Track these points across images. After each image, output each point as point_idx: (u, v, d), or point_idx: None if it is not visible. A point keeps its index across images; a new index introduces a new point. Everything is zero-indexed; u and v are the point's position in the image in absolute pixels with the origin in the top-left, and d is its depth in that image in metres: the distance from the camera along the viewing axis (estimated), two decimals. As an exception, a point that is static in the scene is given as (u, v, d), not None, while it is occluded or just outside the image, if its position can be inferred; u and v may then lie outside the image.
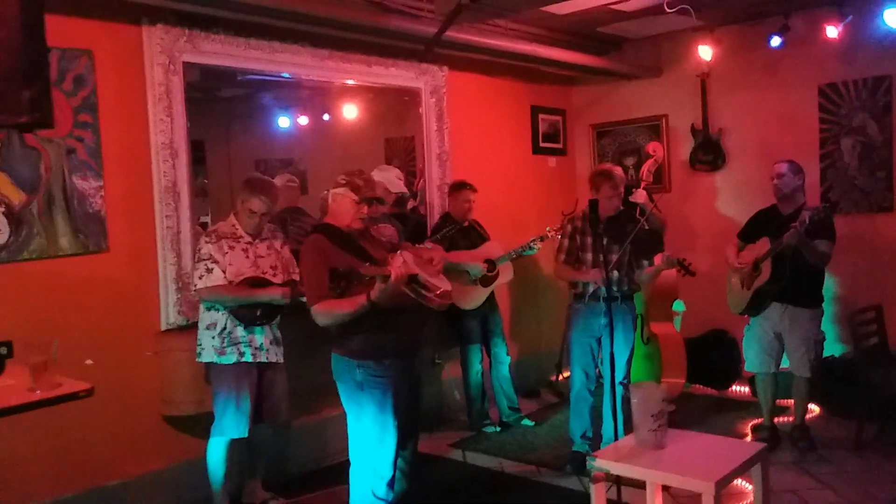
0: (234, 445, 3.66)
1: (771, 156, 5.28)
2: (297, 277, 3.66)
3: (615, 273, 4.12)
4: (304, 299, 3.25)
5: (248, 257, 3.59)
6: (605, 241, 4.13)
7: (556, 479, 4.19)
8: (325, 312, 3.02)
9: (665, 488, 3.63)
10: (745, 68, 5.64)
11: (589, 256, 4.19)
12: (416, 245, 3.45)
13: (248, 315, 3.53)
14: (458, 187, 5.00)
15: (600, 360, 4.40)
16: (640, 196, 5.11)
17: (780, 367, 4.54)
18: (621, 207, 4.25)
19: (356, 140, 6.36)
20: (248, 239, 3.62)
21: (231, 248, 3.55)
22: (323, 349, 3.23)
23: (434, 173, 5.41)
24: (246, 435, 3.58)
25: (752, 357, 4.57)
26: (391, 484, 3.16)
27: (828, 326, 4.59)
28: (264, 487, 3.93)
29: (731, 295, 4.60)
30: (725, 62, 5.62)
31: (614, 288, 4.13)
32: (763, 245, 4.36)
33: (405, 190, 5.04)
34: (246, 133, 6.83)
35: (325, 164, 6.10)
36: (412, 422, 3.33)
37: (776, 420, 4.68)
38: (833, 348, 5.16)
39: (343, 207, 3.17)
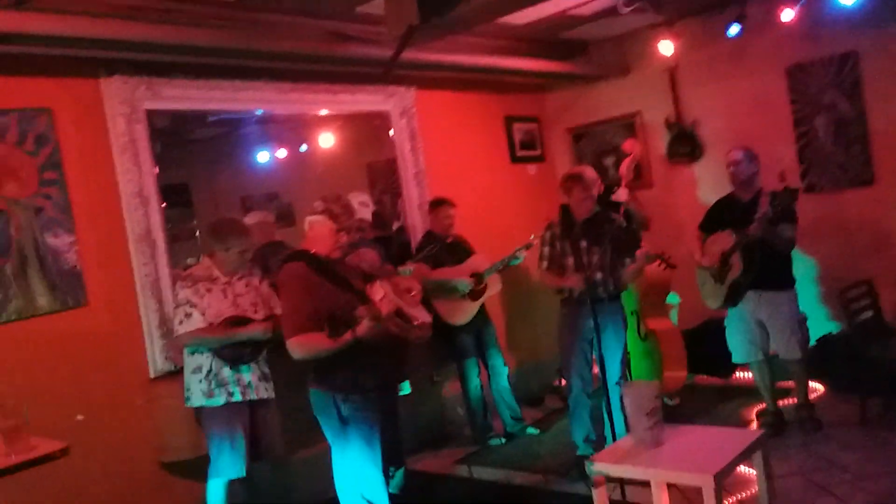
0: (234, 486, 3.63)
1: (746, 141, 5.26)
2: (279, 312, 3.66)
3: (598, 274, 4.11)
4: None
5: (226, 297, 3.58)
6: (584, 244, 4.13)
7: (563, 486, 4.16)
8: (304, 345, 2.96)
9: (671, 484, 3.60)
10: (711, 58, 5.65)
11: (570, 261, 4.19)
12: (393, 274, 3.44)
13: (233, 354, 3.52)
14: (438, 204, 5.01)
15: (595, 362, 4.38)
16: (622, 195, 5.12)
17: (771, 351, 4.52)
18: (597, 208, 4.24)
19: (338, 167, 6.40)
20: (225, 279, 3.62)
21: (208, 290, 3.54)
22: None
23: (412, 193, 5.43)
24: (244, 474, 3.56)
25: (738, 348, 4.56)
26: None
27: (817, 305, 4.57)
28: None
29: (705, 291, 4.57)
30: (691, 54, 5.64)
31: (599, 289, 4.11)
32: (726, 237, 4.34)
33: (366, 217, 5.00)
34: (228, 172, 6.89)
35: (310, 194, 6.12)
36: (397, 448, 3.31)
37: (781, 403, 4.65)
38: (827, 326, 5.14)
39: (321, 235, 3.14)
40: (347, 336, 2.86)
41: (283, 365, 3.75)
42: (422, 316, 3.10)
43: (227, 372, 3.53)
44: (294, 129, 6.21)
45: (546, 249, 4.31)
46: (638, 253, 4.10)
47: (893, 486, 3.54)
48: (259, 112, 5.06)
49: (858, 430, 4.30)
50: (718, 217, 4.53)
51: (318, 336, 2.89)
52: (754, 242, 4.18)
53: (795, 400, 4.59)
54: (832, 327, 5.13)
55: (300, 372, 3.37)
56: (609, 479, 3.20)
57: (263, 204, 6.75)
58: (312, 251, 3.15)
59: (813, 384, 4.93)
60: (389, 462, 3.27)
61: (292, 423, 3.91)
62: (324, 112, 5.24)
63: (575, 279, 4.06)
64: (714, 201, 4.74)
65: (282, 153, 6.73)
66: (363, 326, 2.83)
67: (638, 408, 3.25)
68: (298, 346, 2.97)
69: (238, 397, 3.54)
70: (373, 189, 6.32)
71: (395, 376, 3.22)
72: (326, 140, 6.13)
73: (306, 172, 6.75)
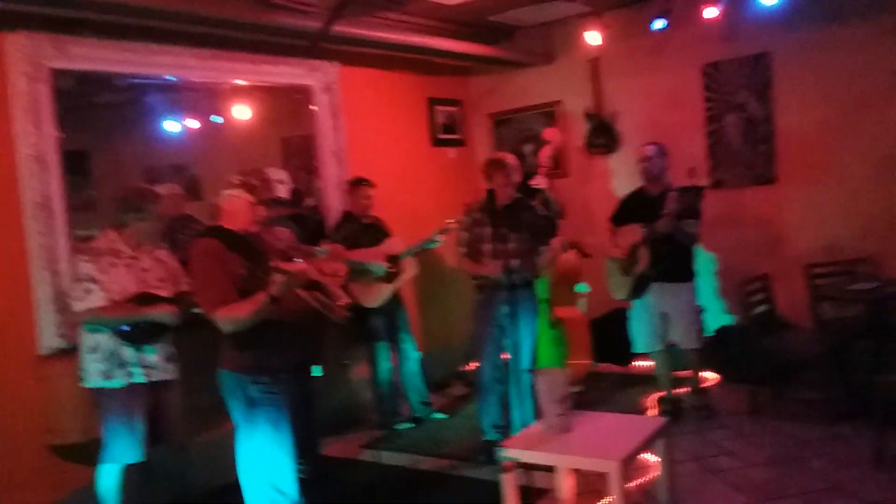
0: (131, 471, 3.46)
1: (661, 136, 5.41)
2: (186, 288, 3.51)
3: (515, 261, 4.15)
4: (199, 310, 3.13)
5: (132, 273, 3.40)
6: (502, 231, 4.15)
7: (470, 471, 4.19)
8: (229, 318, 2.87)
9: (576, 469, 3.69)
10: (632, 52, 5.77)
11: (488, 247, 4.20)
12: (310, 254, 3.37)
13: (137, 334, 3.36)
14: (357, 184, 4.93)
15: (506, 349, 4.43)
16: (541, 181, 5.15)
17: (671, 341, 4.69)
18: (516, 195, 4.27)
19: (251, 141, 6.17)
20: (131, 253, 3.44)
21: (112, 264, 3.35)
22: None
23: (331, 171, 5.32)
24: (142, 459, 3.41)
25: (640, 338, 4.73)
26: (298, 500, 3.08)
27: (717, 298, 4.77)
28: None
29: (613, 282, 4.71)
30: (614, 46, 5.73)
31: (515, 276, 4.15)
32: (635, 230, 4.47)
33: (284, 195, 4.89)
34: (133, 140, 6.52)
35: (220, 168, 5.90)
36: (311, 434, 3.25)
37: (677, 391, 4.84)
38: (725, 318, 5.37)
39: (237, 209, 3.04)
40: (262, 297, 2.78)
41: (188, 344, 3.64)
42: (344, 297, 3.09)
43: (129, 352, 3.36)
44: (208, 99, 5.94)
45: (464, 235, 4.31)
46: (554, 241, 4.16)
47: (779, 472, 3.75)
48: (172, 78, 4.82)
49: (748, 418, 4.53)
50: (629, 210, 4.66)
51: (238, 305, 2.83)
52: (660, 237, 4.32)
53: (691, 388, 4.80)
54: (729, 319, 5.37)
55: (205, 351, 3.26)
56: (515, 466, 3.25)
57: (170, 175, 6.44)
58: (228, 227, 3.04)
59: (708, 373, 5.16)
60: (303, 449, 3.19)
61: (195, 405, 3.78)
62: (241, 82, 5.04)
63: (493, 266, 4.07)
64: (626, 194, 4.86)
65: (193, 123, 6.44)
66: (275, 285, 2.75)
67: (550, 395, 3.31)
68: (226, 319, 2.87)
69: (140, 378, 3.38)
70: (287, 165, 6.14)
71: (308, 358, 3.14)
72: (242, 112, 5.89)
73: (218, 145, 6.48)
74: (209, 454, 4.19)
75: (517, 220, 4.15)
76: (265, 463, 3.01)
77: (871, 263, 4.78)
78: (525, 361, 4.21)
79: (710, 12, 5.01)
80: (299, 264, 2.94)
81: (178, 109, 6.19)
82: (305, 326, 3.03)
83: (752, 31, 5.22)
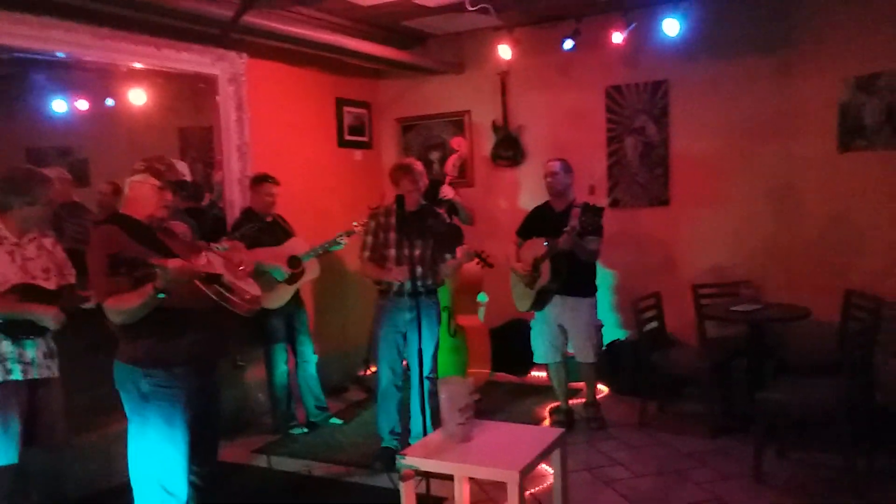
0: (3, 473, 3.19)
1: (564, 153, 5.55)
2: (72, 280, 3.29)
3: (419, 268, 4.13)
4: (88, 304, 2.92)
5: (14, 261, 3.13)
6: (408, 237, 4.13)
7: (366, 479, 4.13)
8: (116, 308, 2.73)
9: (471, 477, 3.71)
10: (541, 68, 5.90)
11: (392, 252, 4.17)
12: (215, 244, 3.22)
13: (15, 328, 3.10)
14: (260, 180, 4.78)
15: (407, 355, 4.40)
16: (448, 192, 5.21)
17: (568, 353, 4.83)
18: (422, 202, 4.26)
19: (146, 129, 5.88)
20: (14, 240, 3.18)
21: (-8, 251, 3.10)
22: (106, 356, 2.91)
23: (234, 166, 5.14)
24: (16, 461, 3.15)
25: (540, 349, 4.84)
26: (186, 502, 2.94)
27: (611, 313, 4.94)
28: (39, 517, 3.49)
29: (516, 294, 4.81)
30: (523, 61, 5.84)
31: (419, 283, 4.14)
32: (538, 244, 4.57)
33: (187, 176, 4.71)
34: (14, 118, 6.08)
35: (110, 154, 5.60)
36: (210, 436, 3.10)
37: (571, 402, 4.97)
38: (618, 333, 5.57)
39: (143, 195, 2.89)
40: (148, 289, 2.65)
41: (71, 339, 3.40)
42: (252, 290, 2.98)
43: (5, 346, 3.09)
44: (101, 80, 5.60)
45: (369, 239, 4.26)
46: (459, 250, 4.17)
47: (666, 483, 3.91)
48: (62, 55, 4.52)
49: (637, 429, 4.70)
50: (533, 224, 4.76)
51: (126, 295, 2.70)
52: (562, 253, 4.43)
53: (584, 400, 4.94)
54: (621, 334, 5.58)
55: (86, 347, 3.07)
56: (414, 475, 3.22)
57: (54, 159, 6.04)
58: (131, 214, 2.89)
59: (600, 386, 5.33)
60: (203, 454, 3.03)
61: (76, 403, 3.54)
62: (140, 66, 4.79)
63: (399, 272, 4.04)
64: (531, 207, 4.97)
65: (83, 105, 6.06)
66: (158, 277, 2.62)
67: (452, 403, 3.31)
68: (113, 310, 2.73)
69: (17, 375, 3.11)
70: (184, 157, 5.89)
71: (209, 352, 2.99)
72: (138, 97, 5.61)
73: (109, 129, 6.13)
74: (91, 456, 3.95)
75: (423, 227, 4.13)
76: (155, 461, 2.85)
77: (753, 287, 5.08)
78: (426, 368, 4.19)
79: (616, 37, 5.22)
80: (203, 264, 2.81)
81: (68, 89, 5.81)
82: (205, 320, 2.89)
83: (653, 59, 5.45)
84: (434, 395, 4.08)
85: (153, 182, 2.88)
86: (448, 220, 4.58)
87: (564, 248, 4.38)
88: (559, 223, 4.47)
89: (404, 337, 4.25)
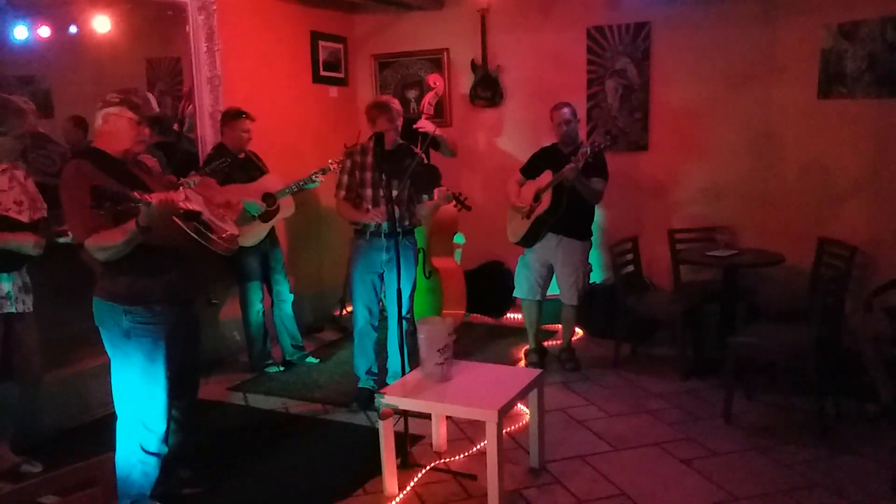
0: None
1: (544, 95, 5.50)
2: (45, 213, 3.18)
3: (396, 209, 4.07)
4: (64, 239, 2.83)
5: (-16, 193, 3.03)
6: (384, 176, 4.05)
7: (343, 417, 4.14)
8: (99, 246, 2.65)
9: (448, 416, 3.74)
10: (522, 7, 5.75)
11: (369, 192, 4.09)
12: (185, 179, 3.13)
13: None
14: (234, 116, 4.62)
15: (383, 296, 4.38)
16: (429, 126, 5.06)
17: (548, 295, 4.84)
18: (399, 141, 4.18)
19: (112, 58, 5.65)
20: (-16, 171, 3.06)
21: (-38, 182, 2.97)
22: (81, 293, 2.86)
23: (205, 99, 4.97)
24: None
25: (523, 284, 4.83)
26: (165, 438, 2.92)
27: (593, 256, 4.94)
28: (15, 451, 3.46)
29: (512, 225, 4.80)
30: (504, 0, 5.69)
31: (396, 223, 4.08)
32: (544, 179, 4.56)
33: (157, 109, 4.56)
34: (-29, 44, 5.80)
35: (75, 84, 5.38)
36: (191, 371, 3.07)
37: (546, 343, 5.00)
38: (596, 276, 5.60)
39: (118, 129, 2.77)
40: (131, 226, 2.58)
41: (46, 274, 3.32)
42: (231, 228, 2.93)
43: (-22, 280, 3.01)
44: (64, 6, 5.36)
45: (345, 178, 4.17)
46: (437, 191, 4.11)
47: (639, 422, 3.98)
48: (22, -23, 4.29)
49: (612, 371, 4.77)
50: (539, 164, 4.70)
51: (109, 232, 2.63)
52: (566, 187, 4.39)
53: (560, 341, 4.99)
54: (598, 277, 5.60)
55: (64, 282, 3.00)
56: (393, 413, 3.24)
57: (15, 88, 5.80)
58: (104, 149, 2.78)
59: (576, 329, 5.38)
60: (183, 388, 3.01)
61: (50, 338, 3.48)
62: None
63: (376, 213, 3.97)
64: (510, 148, 4.92)
65: (45, 32, 5.79)
66: (141, 214, 2.56)
67: (431, 344, 3.31)
68: (96, 248, 2.65)
69: (-10, 309, 3.05)
70: (151, 89, 5.69)
71: (189, 288, 2.94)
72: (102, 24, 5.37)
73: (73, 58, 5.88)
74: (65, 391, 3.90)
75: (400, 167, 4.05)
76: (135, 397, 2.84)
77: (729, 233, 5.12)
78: (404, 309, 4.17)
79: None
80: (182, 199, 2.74)
81: (29, 15, 5.54)
82: (183, 257, 2.83)
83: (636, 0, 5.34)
84: (411, 334, 4.08)
85: (130, 116, 2.77)
86: (426, 161, 4.50)
87: (569, 179, 4.35)
88: (566, 163, 4.41)
89: (381, 277, 4.22)
